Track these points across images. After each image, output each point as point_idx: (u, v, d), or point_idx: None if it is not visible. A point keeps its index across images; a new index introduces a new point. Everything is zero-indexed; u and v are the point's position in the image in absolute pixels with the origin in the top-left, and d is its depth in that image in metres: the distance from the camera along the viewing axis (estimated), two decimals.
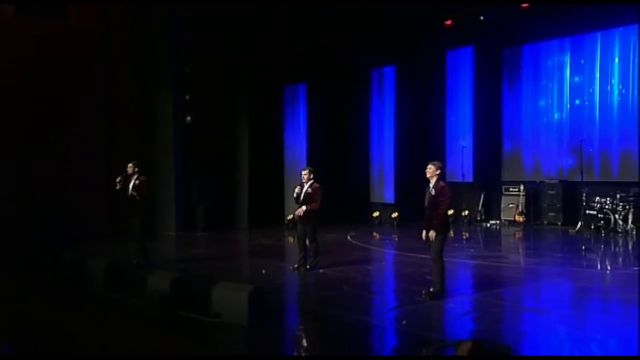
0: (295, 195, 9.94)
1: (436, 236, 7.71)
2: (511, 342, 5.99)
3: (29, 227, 13.06)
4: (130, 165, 10.70)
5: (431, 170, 7.85)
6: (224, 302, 6.86)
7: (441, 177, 7.92)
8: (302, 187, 9.88)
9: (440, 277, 7.79)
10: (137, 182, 10.61)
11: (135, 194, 10.52)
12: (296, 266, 9.97)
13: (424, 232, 7.89)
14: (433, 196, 7.77)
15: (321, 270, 9.95)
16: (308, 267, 9.92)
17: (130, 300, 7.87)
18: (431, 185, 7.86)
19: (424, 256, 9.77)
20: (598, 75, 15.77)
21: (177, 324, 6.88)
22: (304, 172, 9.99)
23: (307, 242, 9.97)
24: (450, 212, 14.68)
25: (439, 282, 7.80)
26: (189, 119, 16.56)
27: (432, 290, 7.85)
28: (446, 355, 4.79)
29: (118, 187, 10.60)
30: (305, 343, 6.46)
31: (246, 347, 6.37)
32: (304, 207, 9.71)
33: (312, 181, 9.83)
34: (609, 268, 10.78)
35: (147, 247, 10.93)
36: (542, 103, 17.04)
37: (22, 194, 13.59)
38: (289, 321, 7.54)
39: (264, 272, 10.27)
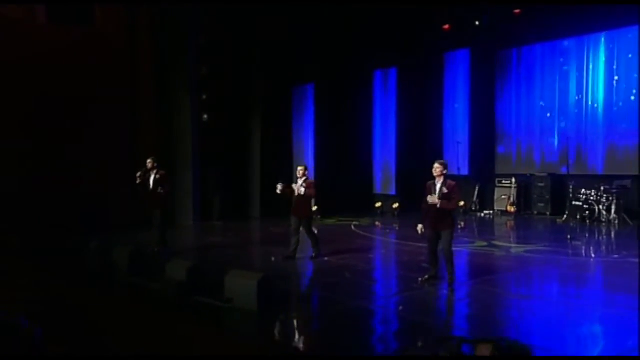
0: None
1: (448, 229, 7.70)
2: (503, 324, 6.03)
3: (57, 218, 13.16)
4: (149, 160, 10.72)
5: (439, 170, 7.74)
6: (235, 289, 6.91)
7: (446, 175, 7.85)
8: (296, 182, 9.96)
9: (452, 266, 7.80)
10: (158, 176, 10.64)
11: (160, 187, 10.56)
12: (288, 255, 9.85)
13: (420, 226, 7.90)
14: (445, 193, 7.65)
15: (325, 258, 9.97)
16: (313, 255, 9.96)
17: (150, 286, 7.95)
18: (439, 184, 7.73)
19: (420, 245, 9.76)
20: (585, 76, 15.68)
21: (192, 308, 6.95)
22: (299, 168, 10.09)
23: (307, 233, 9.96)
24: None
25: (451, 270, 7.80)
26: (205, 116, 16.60)
27: (445, 278, 7.90)
28: (463, 352, 4.61)
29: (138, 181, 10.66)
30: (309, 326, 6.51)
31: (254, 329, 6.44)
32: (302, 190, 9.75)
33: (305, 177, 9.90)
34: (592, 256, 10.77)
35: (167, 236, 11.00)
36: (533, 102, 16.96)
37: (51, 187, 13.66)
38: (294, 306, 7.56)
39: (273, 259, 10.31)
